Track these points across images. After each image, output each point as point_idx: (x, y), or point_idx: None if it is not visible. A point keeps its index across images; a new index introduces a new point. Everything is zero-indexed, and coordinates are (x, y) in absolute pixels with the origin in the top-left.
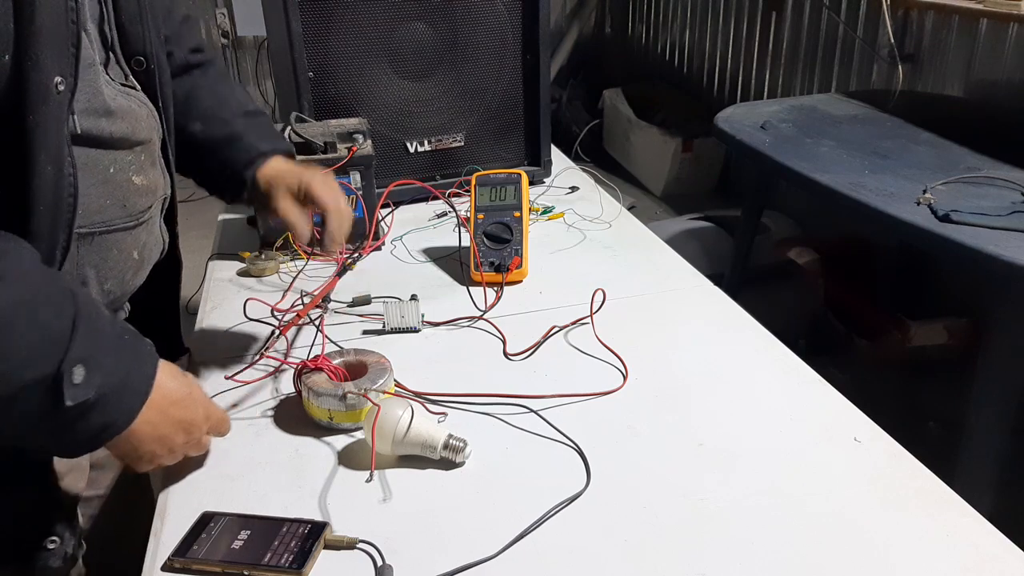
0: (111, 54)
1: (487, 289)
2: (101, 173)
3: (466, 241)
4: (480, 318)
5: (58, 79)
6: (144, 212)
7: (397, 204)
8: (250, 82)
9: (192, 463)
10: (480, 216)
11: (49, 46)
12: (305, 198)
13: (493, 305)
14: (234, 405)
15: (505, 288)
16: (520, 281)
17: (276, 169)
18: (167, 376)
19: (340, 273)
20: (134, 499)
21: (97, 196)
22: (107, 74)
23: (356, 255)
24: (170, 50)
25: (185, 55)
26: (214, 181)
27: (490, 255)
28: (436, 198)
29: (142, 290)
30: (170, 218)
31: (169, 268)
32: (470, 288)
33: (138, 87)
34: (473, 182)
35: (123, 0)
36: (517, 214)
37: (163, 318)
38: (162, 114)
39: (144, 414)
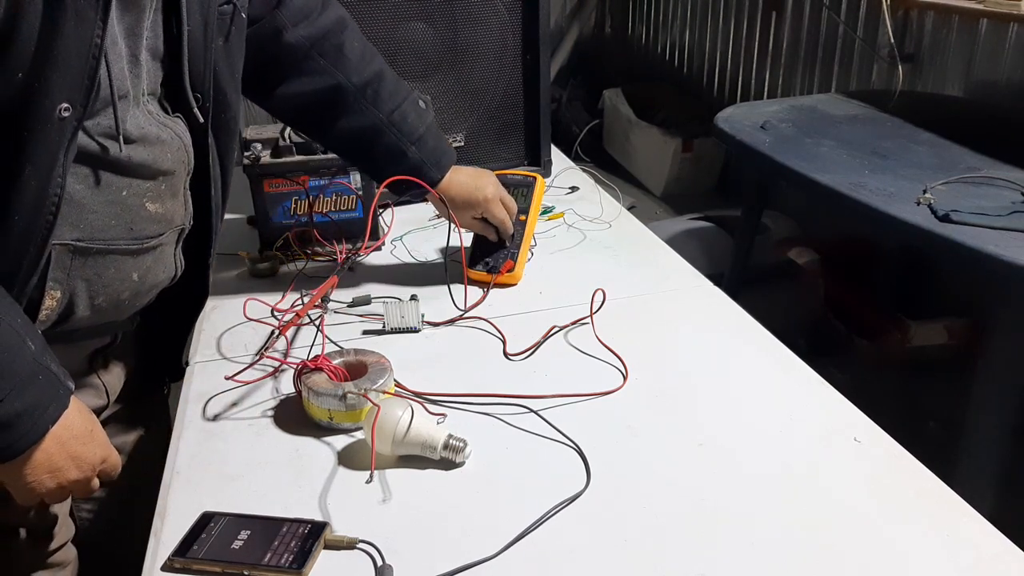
0: (168, 87)
1: (477, 288)
2: (113, 194)
3: (467, 240)
4: (460, 318)
5: (64, 106)
6: (153, 238)
7: (397, 204)
8: None
9: (194, 463)
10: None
11: (62, 74)
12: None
13: (475, 305)
14: (234, 405)
15: (505, 288)
16: (512, 284)
17: (453, 188)
18: (74, 411)
19: (339, 272)
20: (132, 500)
21: (104, 214)
22: (147, 105)
23: (355, 255)
24: (338, 81)
25: (351, 80)
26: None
27: (485, 255)
28: None
29: (158, 311)
30: (204, 250)
31: (194, 294)
32: (450, 285)
33: (180, 121)
34: None
35: (192, 39)
36: (523, 217)
37: (172, 340)
38: (213, 150)
39: (42, 444)
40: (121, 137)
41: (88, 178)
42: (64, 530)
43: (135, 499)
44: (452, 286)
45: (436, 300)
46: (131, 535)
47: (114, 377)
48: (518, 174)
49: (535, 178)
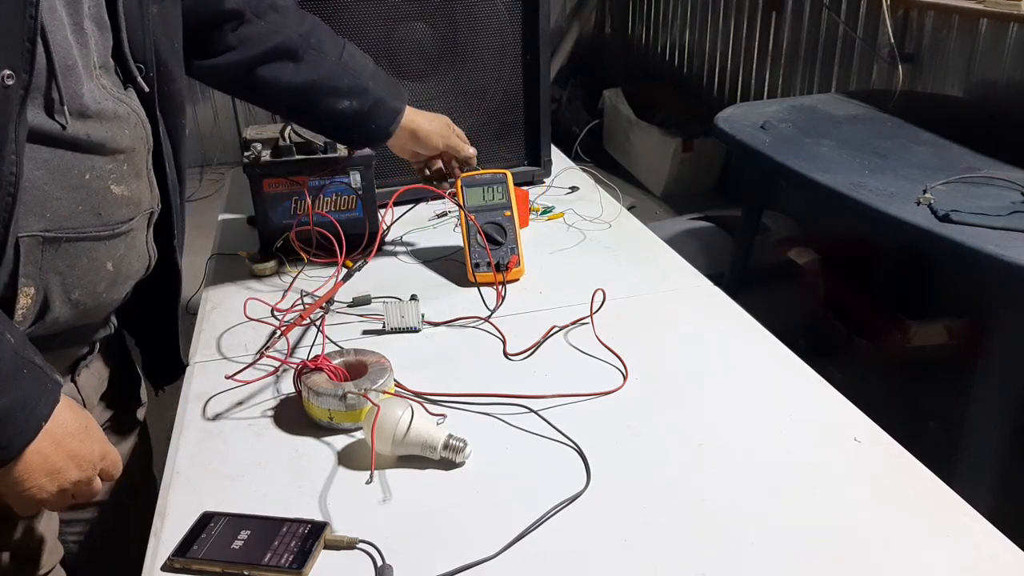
0: (115, 59)
1: (487, 289)
2: (75, 178)
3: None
4: (487, 319)
5: (7, 72)
6: (123, 224)
7: (396, 204)
8: None
9: (194, 463)
10: (471, 217)
11: None
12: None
13: (499, 305)
14: (234, 405)
15: (508, 286)
16: (518, 279)
17: (416, 115)
18: (65, 408)
19: (346, 277)
20: (121, 515)
21: (69, 201)
22: (100, 79)
23: (363, 260)
24: (285, 36)
25: (296, 33)
26: (363, 140)
27: (484, 257)
28: (436, 198)
29: (135, 306)
30: (167, 234)
31: (167, 285)
32: (480, 289)
33: (135, 95)
34: (459, 184)
35: (128, 6)
36: (508, 213)
37: (160, 335)
38: (161, 125)
39: (36, 444)
40: (66, 108)
41: (48, 162)
42: (53, 554)
43: (123, 515)
44: (460, 288)
45: (436, 300)
46: (126, 543)
47: (91, 390)
48: (485, 173)
49: (504, 174)
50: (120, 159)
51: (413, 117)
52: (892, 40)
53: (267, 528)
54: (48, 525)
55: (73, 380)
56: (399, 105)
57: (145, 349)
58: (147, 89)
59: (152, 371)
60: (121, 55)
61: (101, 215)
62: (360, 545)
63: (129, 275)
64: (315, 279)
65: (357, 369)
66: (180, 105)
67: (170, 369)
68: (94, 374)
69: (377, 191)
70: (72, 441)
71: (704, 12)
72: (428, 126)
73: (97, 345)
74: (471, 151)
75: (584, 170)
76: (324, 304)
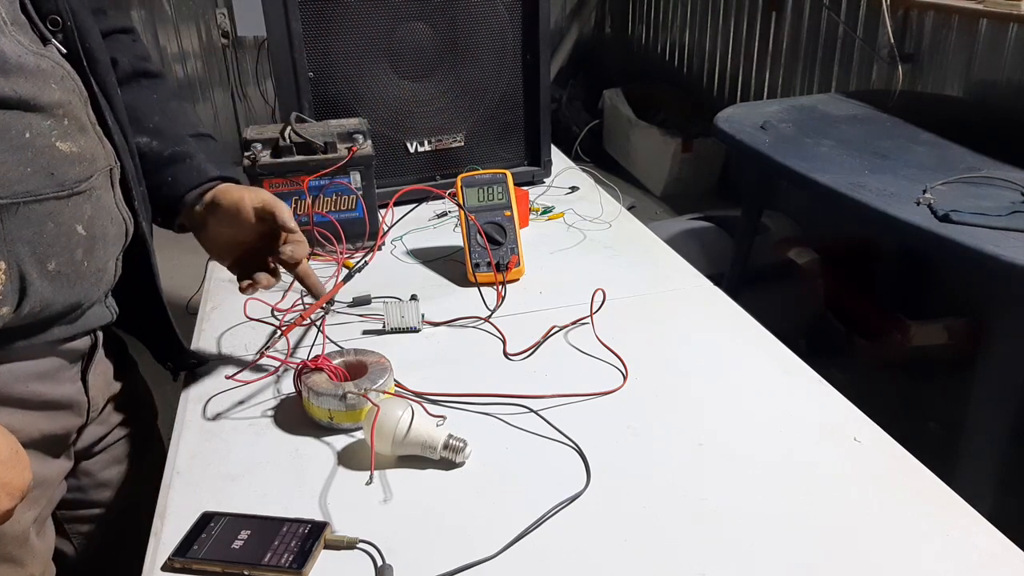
0: (26, 16)
1: (487, 289)
2: (15, 138)
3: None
4: (487, 319)
5: None
6: (81, 182)
7: (397, 204)
8: (250, 82)
9: (194, 463)
10: (471, 217)
11: None
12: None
13: (499, 305)
14: (234, 405)
15: (508, 286)
16: (518, 279)
17: (237, 189)
18: None
19: (347, 278)
20: (137, 501)
21: (15, 163)
22: (16, 35)
23: (364, 260)
24: (114, 57)
25: (131, 61)
26: (157, 194)
27: (484, 257)
28: (436, 198)
29: (120, 289)
30: (128, 197)
31: (139, 255)
32: (480, 289)
33: (55, 52)
34: (459, 184)
35: None
36: (508, 213)
37: (148, 315)
38: (91, 76)
39: None
40: None
41: None
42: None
43: (133, 521)
44: (460, 288)
45: (436, 300)
46: (134, 547)
47: (99, 391)
48: (485, 173)
49: (504, 174)
50: (59, 114)
51: (228, 190)
52: (892, 40)
53: (267, 528)
54: (43, 543)
55: (83, 379)
56: (212, 171)
57: (143, 336)
58: (64, 50)
59: (162, 358)
60: (31, 10)
61: (54, 175)
62: (360, 545)
63: (106, 239)
64: None
65: (357, 369)
66: (105, 64)
67: (177, 353)
68: (101, 374)
69: (377, 191)
70: (3, 469)
71: (704, 12)
72: (244, 193)
73: (100, 338)
74: (291, 222)
75: (584, 170)
76: (324, 304)
